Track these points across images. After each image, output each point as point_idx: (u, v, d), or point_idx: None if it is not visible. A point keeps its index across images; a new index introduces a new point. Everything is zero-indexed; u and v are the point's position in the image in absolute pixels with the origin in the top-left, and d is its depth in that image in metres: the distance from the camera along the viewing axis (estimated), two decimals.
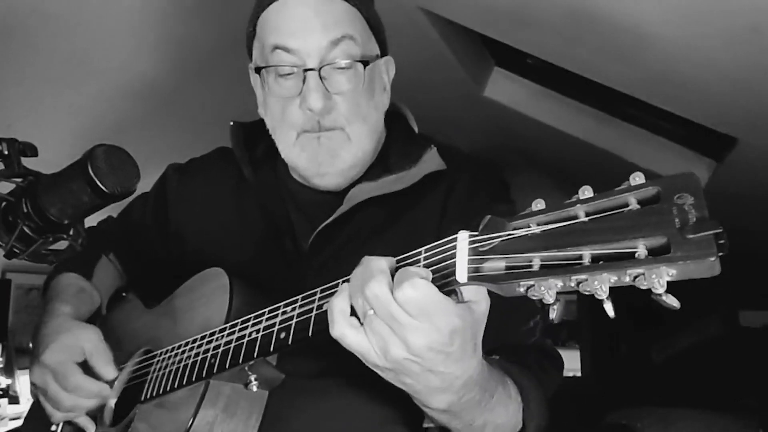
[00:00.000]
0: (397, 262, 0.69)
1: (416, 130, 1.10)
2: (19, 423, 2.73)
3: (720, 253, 0.50)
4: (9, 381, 2.94)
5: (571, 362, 4.63)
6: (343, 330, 0.67)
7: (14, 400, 2.90)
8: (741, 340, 3.79)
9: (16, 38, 1.87)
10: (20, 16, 1.82)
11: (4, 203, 0.89)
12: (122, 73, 2.25)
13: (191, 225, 1.18)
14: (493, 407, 0.78)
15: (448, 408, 0.72)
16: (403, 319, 0.62)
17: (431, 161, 1.01)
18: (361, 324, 0.66)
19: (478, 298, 0.67)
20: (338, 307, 0.68)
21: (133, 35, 2.12)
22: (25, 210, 0.87)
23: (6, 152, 0.91)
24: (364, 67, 0.95)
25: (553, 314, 0.60)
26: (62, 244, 0.99)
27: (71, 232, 0.92)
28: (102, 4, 1.96)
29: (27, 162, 0.97)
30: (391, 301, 0.62)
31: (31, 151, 0.94)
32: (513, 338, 0.96)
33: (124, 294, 1.27)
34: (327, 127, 0.97)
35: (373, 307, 0.64)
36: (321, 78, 0.94)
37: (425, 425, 0.83)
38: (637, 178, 0.56)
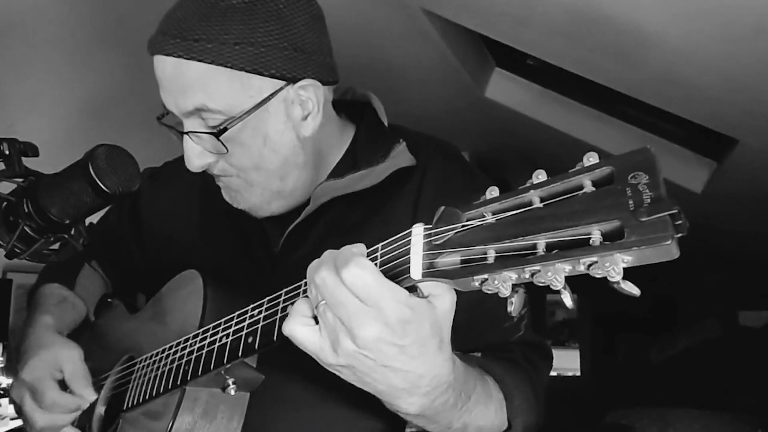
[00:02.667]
0: None
1: (386, 122, 1.05)
2: (20, 422, 2.73)
3: (678, 235, 0.47)
4: (9, 381, 2.94)
5: (571, 362, 4.63)
6: (293, 327, 0.65)
7: None
8: (740, 340, 3.80)
9: (17, 38, 1.87)
10: (22, 15, 1.83)
11: (5, 203, 0.89)
12: (123, 72, 2.25)
13: (164, 232, 1.17)
14: (471, 409, 0.75)
15: (421, 412, 0.70)
16: (350, 304, 0.60)
17: (400, 156, 0.97)
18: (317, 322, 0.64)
19: (438, 292, 0.64)
20: (298, 305, 0.66)
21: (134, 35, 2.12)
22: (26, 210, 0.87)
23: (7, 152, 0.91)
24: (218, 137, 0.88)
25: (510, 308, 0.57)
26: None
27: (72, 232, 0.92)
28: (104, 4, 1.96)
29: (28, 162, 0.97)
30: (338, 284, 0.60)
31: (32, 151, 0.94)
32: (496, 336, 0.93)
33: (110, 300, 1.27)
34: (218, 175, 0.96)
35: (321, 294, 0.62)
36: (195, 140, 0.91)
37: (407, 430, 0.81)
38: (591, 159, 0.53)
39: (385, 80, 2.47)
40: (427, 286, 0.64)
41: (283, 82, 0.90)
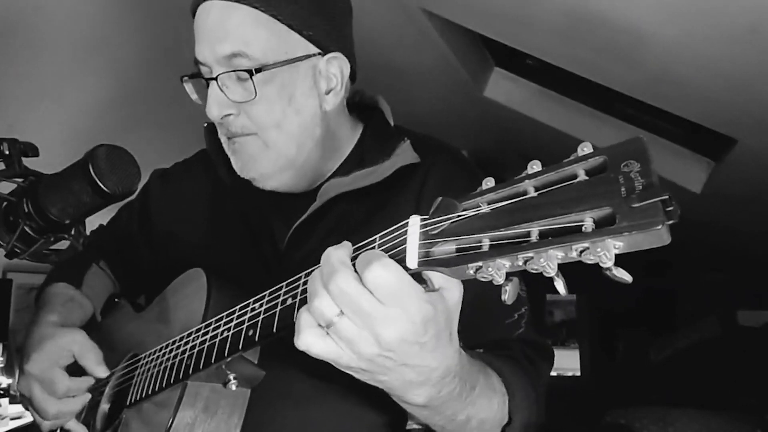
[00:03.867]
0: (354, 251, 0.67)
1: (392, 123, 1.09)
2: (20, 422, 2.73)
3: (669, 221, 0.47)
4: (9, 381, 2.94)
5: (571, 362, 4.63)
6: (308, 340, 0.63)
7: (15, 399, 2.91)
8: (739, 340, 3.80)
9: (17, 38, 1.87)
10: (22, 15, 1.83)
11: (5, 203, 0.90)
12: (124, 72, 2.25)
13: (173, 231, 1.18)
14: (475, 400, 0.75)
15: (428, 403, 0.70)
16: (373, 308, 0.59)
17: (404, 154, 1.00)
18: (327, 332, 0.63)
19: (449, 285, 0.65)
20: (305, 317, 0.64)
21: (134, 35, 2.12)
22: (26, 210, 0.88)
23: (7, 152, 0.92)
24: (251, 76, 0.91)
25: (504, 296, 0.57)
26: (63, 244, 0.99)
27: (72, 232, 0.92)
28: (104, 4, 1.96)
29: (28, 162, 0.97)
30: (360, 291, 0.59)
31: (32, 151, 0.95)
32: (497, 332, 0.95)
33: (117, 300, 1.28)
34: (236, 133, 0.97)
35: (339, 303, 0.60)
36: (221, 86, 0.93)
37: (408, 427, 0.81)
38: (585, 148, 0.54)
39: (384, 80, 2.47)
40: (437, 279, 0.64)
41: (316, 50, 0.96)
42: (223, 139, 1.01)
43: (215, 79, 0.92)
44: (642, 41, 1.55)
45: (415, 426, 0.79)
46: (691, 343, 4.00)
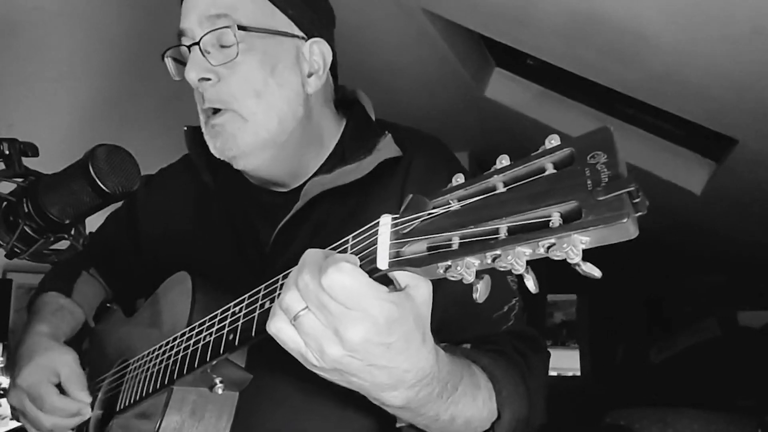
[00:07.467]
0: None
1: (373, 116, 1.07)
2: (20, 422, 2.73)
3: (637, 213, 0.46)
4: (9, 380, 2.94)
5: (571, 362, 4.63)
6: (280, 325, 0.63)
7: None
8: (739, 341, 3.80)
9: (17, 38, 1.87)
10: (22, 15, 1.83)
11: (5, 203, 0.89)
12: (123, 72, 2.25)
13: (160, 237, 1.18)
14: (458, 400, 0.74)
15: (406, 405, 0.68)
16: (334, 308, 0.59)
17: (386, 148, 0.99)
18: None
19: (415, 283, 0.63)
20: (278, 305, 0.64)
21: (134, 35, 2.12)
22: (26, 210, 0.87)
23: (7, 152, 0.91)
24: (232, 32, 0.92)
25: (476, 294, 0.57)
26: (63, 244, 0.99)
27: (72, 232, 0.92)
28: (103, 4, 1.96)
29: (28, 162, 0.97)
30: (319, 288, 0.59)
31: (32, 151, 0.95)
32: (485, 326, 0.93)
33: (109, 305, 1.27)
34: (211, 100, 0.94)
35: (304, 297, 0.61)
36: (204, 51, 0.92)
37: (398, 425, 0.80)
38: (553, 141, 0.52)
39: (385, 80, 2.47)
40: (403, 278, 0.63)
41: (300, 33, 0.98)
42: (203, 125, 0.99)
43: (198, 43, 0.92)
44: (643, 42, 1.55)
45: (404, 424, 0.79)
46: (691, 345, 4.01)
